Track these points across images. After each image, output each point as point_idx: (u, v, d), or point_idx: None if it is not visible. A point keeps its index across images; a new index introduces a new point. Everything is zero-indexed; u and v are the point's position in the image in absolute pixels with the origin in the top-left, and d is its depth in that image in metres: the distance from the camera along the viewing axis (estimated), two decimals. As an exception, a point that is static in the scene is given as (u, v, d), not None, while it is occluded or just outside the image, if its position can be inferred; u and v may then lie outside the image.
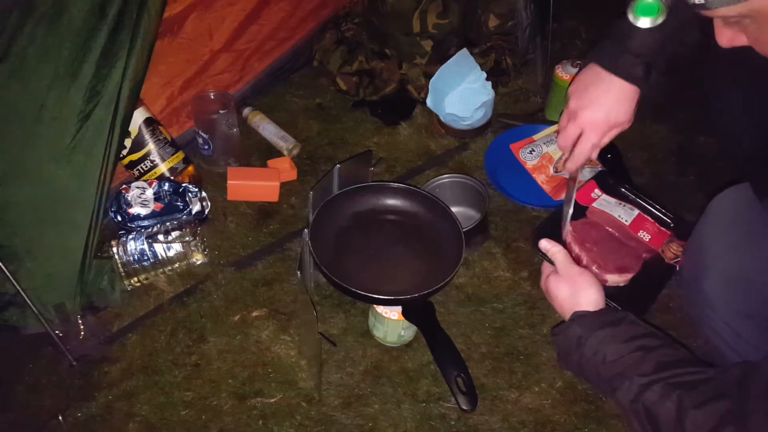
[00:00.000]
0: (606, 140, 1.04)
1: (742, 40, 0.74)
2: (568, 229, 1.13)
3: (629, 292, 1.11)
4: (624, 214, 1.18)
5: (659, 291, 1.16)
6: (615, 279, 1.10)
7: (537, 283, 1.28)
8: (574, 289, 0.95)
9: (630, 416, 0.80)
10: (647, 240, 1.15)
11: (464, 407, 1.11)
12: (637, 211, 1.19)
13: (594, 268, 1.09)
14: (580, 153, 1.04)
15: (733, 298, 0.98)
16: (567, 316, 0.94)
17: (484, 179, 1.54)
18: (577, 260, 1.04)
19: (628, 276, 1.10)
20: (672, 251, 1.15)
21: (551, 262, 1.02)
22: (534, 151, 1.61)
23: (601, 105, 1.00)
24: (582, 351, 0.87)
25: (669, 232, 1.19)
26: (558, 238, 1.07)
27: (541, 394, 1.20)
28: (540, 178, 1.57)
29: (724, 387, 0.73)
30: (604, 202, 1.21)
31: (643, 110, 1.06)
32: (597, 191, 1.23)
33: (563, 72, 1.67)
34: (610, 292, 0.97)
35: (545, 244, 1.03)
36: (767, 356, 0.73)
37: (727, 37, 0.75)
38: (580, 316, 0.91)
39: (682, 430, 0.73)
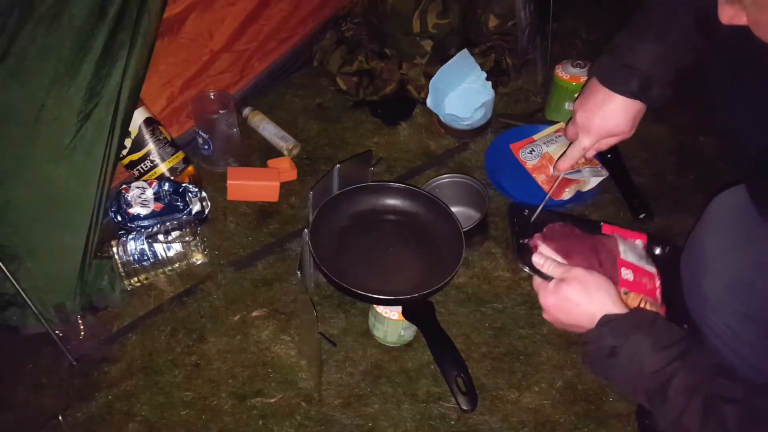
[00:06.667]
0: (602, 146, 1.11)
1: (742, 20, 0.75)
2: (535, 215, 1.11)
3: None
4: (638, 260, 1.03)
5: None
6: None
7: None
8: (589, 290, 0.88)
9: None
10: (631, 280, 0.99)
11: (464, 407, 1.11)
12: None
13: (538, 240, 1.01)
14: (570, 154, 1.13)
15: (733, 299, 0.98)
16: (591, 322, 0.86)
17: (484, 179, 1.54)
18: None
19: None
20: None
21: (545, 277, 0.94)
22: (534, 151, 1.61)
23: (595, 114, 1.06)
24: (617, 359, 0.82)
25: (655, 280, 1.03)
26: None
27: (541, 394, 1.20)
28: (540, 178, 1.57)
29: (762, 410, 0.72)
30: (628, 246, 1.06)
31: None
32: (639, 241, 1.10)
33: (563, 72, 1.67)
34: None
35: (538, 258, 0.95)
36: None
37: (728, 15, 0.77)
38: (610, 320, 0.84)
39: None
